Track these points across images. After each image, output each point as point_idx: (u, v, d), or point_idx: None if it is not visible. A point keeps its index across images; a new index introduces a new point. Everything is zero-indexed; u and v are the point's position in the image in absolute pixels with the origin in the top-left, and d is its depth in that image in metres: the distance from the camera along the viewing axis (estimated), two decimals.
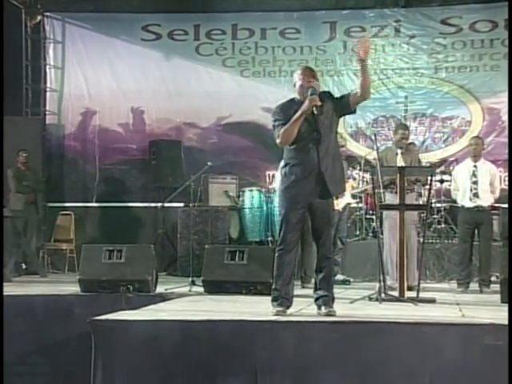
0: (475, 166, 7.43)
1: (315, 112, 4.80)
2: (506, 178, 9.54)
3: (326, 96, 4.96)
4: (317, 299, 4.95)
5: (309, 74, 4.94)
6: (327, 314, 4.81)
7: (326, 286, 4.94)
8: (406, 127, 7.68)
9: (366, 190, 8.81)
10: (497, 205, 7.88)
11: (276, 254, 4.96)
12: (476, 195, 7.36)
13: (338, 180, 4.98)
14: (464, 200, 7.43)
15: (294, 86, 4.99)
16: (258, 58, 10.57)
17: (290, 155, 4.95)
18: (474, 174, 7.39)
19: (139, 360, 4.49)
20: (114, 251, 6.57)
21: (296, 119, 4.81)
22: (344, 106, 4.95)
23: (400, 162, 7.09)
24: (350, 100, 4.92)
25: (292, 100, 4.99)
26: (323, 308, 4.88)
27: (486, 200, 7.38)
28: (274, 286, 4.98)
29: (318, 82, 4.92)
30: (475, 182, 7.38)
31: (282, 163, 5.08)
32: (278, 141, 4.93)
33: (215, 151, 10.30)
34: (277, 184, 7.43)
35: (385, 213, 7.18)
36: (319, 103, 4.79)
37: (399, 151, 7.23)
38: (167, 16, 10.63)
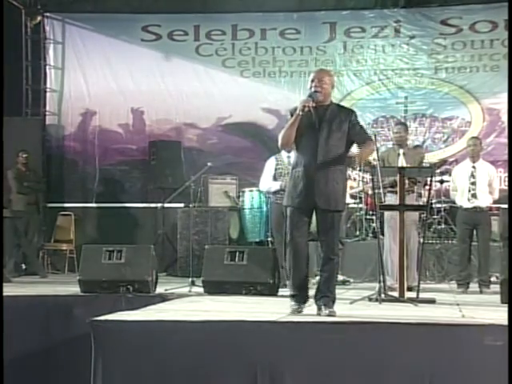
0: (474, 167, 7.44)
1: (300, 113, 4.80)
2: (506, 179, 9.55)
3: (346, 113, 4.95)
4: (318, 300, 4.97)
5: (318, 77, 4.93)
6: (328, 315, 4.82)
7: (328, 286, 4.96)
8: (402, 124, 7.70)
9: (363, 189, 8.81)
10: (496, 205, 7.88)
11: (286, 256, 5.01)
12: (474, 196, 7.37)
13: (331, 196, 4.87)
14: (462, 200, 7.44)
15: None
16: (258, 58, 10.57)
17: (295, 158, 5.03)
18: (472, 175, 7.40)
19: (139, 360, 4.48)
20: (113, 252, 6.57)
21: (291, 123, 4.85)
22: (355, 143, 4.97)
23: (402, 163, 7.09)
24: (357, 146, 4.97)
25: None
26: (323, 308, 4.89)
27: (485, 201, 7.38)
28: (288, 286, 5.06)
29: (326, 86, 4.88)
30: (473, 183, 7.39)
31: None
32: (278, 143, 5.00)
33: (215, 152, 10.30)
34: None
35: (387, 213, 7.18)
36: (309, 104, 4.77)
37: (401, 151, 7.23)
38: (167, 16, 10.62)
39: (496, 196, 7.51)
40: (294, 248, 4.93)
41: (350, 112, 5.02)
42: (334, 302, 4.96)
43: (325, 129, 4.86)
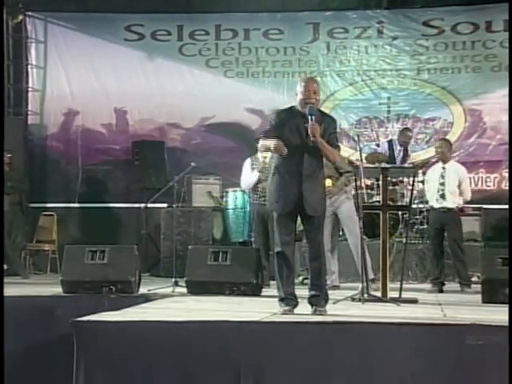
0: (443, 168, 7.54)
1: (310, 135, 4.83)
2: (489, 179, 9.63)
3: (328, 122, 5.02)
4: (308, 298, 5.07)
5: (311, 88, 4.93)
6: (317, 314, 4.91)
7: (317, 285, 5.04)
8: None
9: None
10: (473, 206, 7.91)
11: (274, 257, 5.05)
12: (442, 196, 7.45)
13: (318, 202, 4.97)
14: (432, 201, 7.53)
15: (296, 95, 4.99)
16: (242, 58, 10.58)
17: (279, 163, 5.03)
18: (441, 176, 7.49)
19: (122, 361, 4.47)
20: (96, 252, 6.54)
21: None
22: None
23: None
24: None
25: (291, 109, 5.02)
26: (313, 307, 4.99)
27: (453, 202, 7.44)
28: (277, 287, 5.08)
29: (318, 97, 4.97)
30: (442, 184, 7.48)
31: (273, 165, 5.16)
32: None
33: (199, 152, 10.29)
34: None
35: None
36: (316, 129, 4.81)
37: None
38: (150, 16, 10.60)
39: (467, 197, 7.57)
40: (282, 249, 4.97)
41: (331, 120, 5.11)
42: (326, 301, 5.06)
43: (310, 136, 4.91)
